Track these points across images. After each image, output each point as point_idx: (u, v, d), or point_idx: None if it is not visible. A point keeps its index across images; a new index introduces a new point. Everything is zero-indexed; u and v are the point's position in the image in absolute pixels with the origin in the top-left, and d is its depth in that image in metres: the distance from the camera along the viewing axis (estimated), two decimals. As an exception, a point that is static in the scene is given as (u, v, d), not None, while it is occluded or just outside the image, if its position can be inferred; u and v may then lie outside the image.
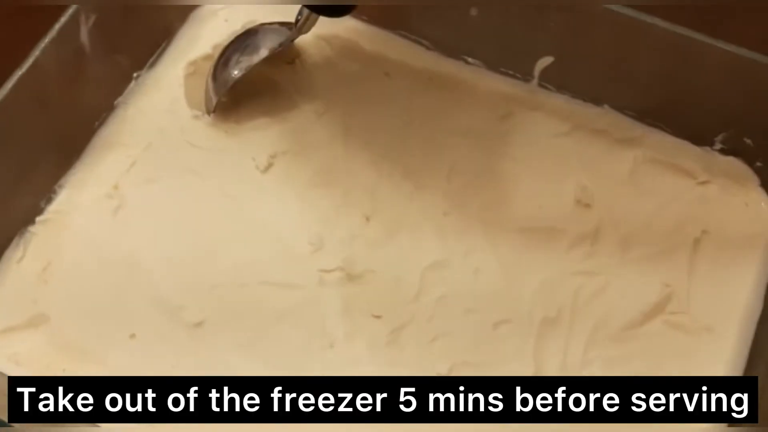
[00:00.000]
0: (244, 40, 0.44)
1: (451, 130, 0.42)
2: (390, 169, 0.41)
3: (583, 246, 0.39)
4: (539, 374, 0.36)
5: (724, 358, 0.36)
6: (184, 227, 0.39)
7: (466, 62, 0.44)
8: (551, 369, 0.36)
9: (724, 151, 0.41)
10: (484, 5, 0.40)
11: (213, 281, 0.38)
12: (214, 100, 0.43)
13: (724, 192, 0.41)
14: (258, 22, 0.44)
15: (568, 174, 0.41)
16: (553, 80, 0.42)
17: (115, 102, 0.42)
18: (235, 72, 0.42)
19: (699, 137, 0.41)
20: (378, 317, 0.37)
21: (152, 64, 0.44)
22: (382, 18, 0.44)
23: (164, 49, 0.44)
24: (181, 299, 0.37)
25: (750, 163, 0.41)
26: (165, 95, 0.43)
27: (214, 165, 0.42)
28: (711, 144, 0.41)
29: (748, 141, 0.40)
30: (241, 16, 0.45)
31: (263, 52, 0.43)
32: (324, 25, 0.43)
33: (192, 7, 0.46)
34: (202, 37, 0.45)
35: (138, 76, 0.43)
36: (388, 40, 0.44)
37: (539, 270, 0.39)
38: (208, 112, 0.43)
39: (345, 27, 0.44)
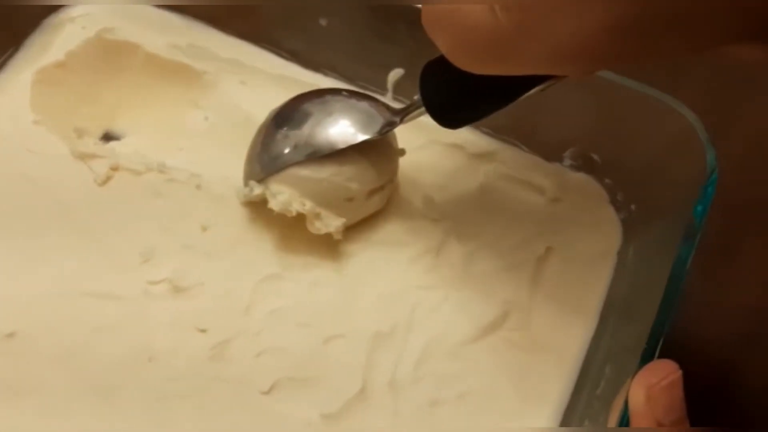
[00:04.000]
0: (320, 109, 0.35)
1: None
2: (239, 176, 0.40)
3: (425, 259, 0.38)
4: (366, 392, 0.34)
5: (557, 377, 0.35)
6: (8, 234, 0.37)
7: (325, 75, 0.44)
8: (380, 386, 0.34)
9: (575, 168, 0.41)
10: (332, 14, 0.40)
11: (31, 291, 0.36)
12: (260, 175, 0.36)
13: (573, 209, 0.40)
14: (115, 28, 0.43)
15: (418, 187, 0.40)
16: (406, 93, 0.42)
17: (-46, 106, 0.41)
18: (306, 152, 0.34)
19: (550, 154, 0.41)
20: (203, 331, 0.35)
21: (0, 68, 0.43)
22: (240, 27, 0.44)
23: (12, 55, 0.43)
24: (-11, 308, 0.35)
25: (600, 180, 0.40)
26: (9, 100, 0.41)
27: (51, 174, 0.40)
28: (561, 160, 0.41)
29: (596, 157, 0.40)
30: (99, 24, 0.44)
31: (356, 136, 0.34)
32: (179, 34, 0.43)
33: (45, 14, 0.44)
34: (55, 44, 0.43)
35: (-18, 80, 0.42)
36: (243, 47, 0.44)
37: (378, 284, 0.37)
38: (245, 183, 0.37)
39: (199, 34, 0.44)
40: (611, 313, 0.36)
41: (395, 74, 0.41)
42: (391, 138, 0.37)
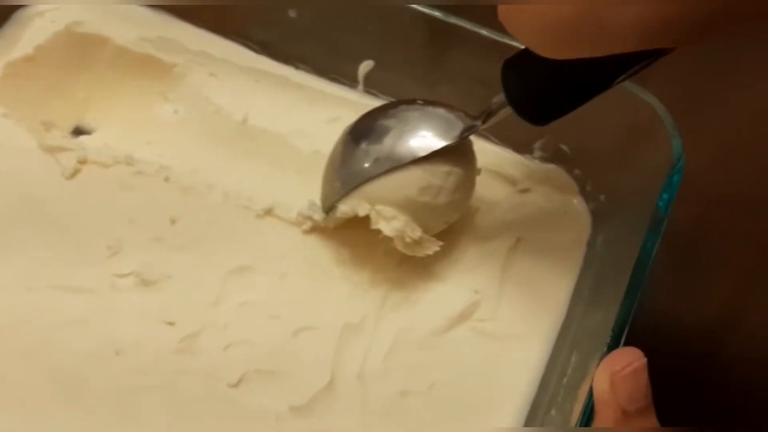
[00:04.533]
0: (398, 120, 0.35)
1: (278, 132, 0.41)
2: (209, 168, 0.40)
3: (396, 252, 0.38)
4: (335, 384, 0.34)
5: (526, 366, 0.35)
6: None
7: (296, 68, 0.44)
8: (348, 378, 0.34)
9: (545, 159, 0.41)
10: (302, 6, 0.40)
11: (-9, 283, 0.36)
12: (340, 192, 0.35)
13: (544, 199, 0.40)
14: (84, 22, 0.43)
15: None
16: (376, 86, 0.42)
17: (-76, 98, 0.41)
18: (388, 164, 0.33)
19: (520, 146, 0.41)
20: (171, 324, 0.35)
21: (-34, 62, 0.42)
22: (209, 20, 0.43)
23: (-20, 48, 0.43)
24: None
25: (570, 170, 0.40)
26: (-24, 94, 0.42)
27: (18, 167, 0.39)
28: (531, 152, 0.41)
29: (564, 148, 0.40)
30: (68, 17, 0.44)
31: (437, 142, 0.33)
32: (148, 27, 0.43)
33: (15, 7, 0.44)
34: (23, 38, 0.43)
35: (-48, 72, 0.42)
36: (212, 40, 0.43)
37: (350, 276, 0.37)
38: (325, 210, 0.36)
39: (168, 27, 0.43)
40: (579, 302, 0.36)
41: (366, 66, 0.41)
42: (469, 148, 0.36)
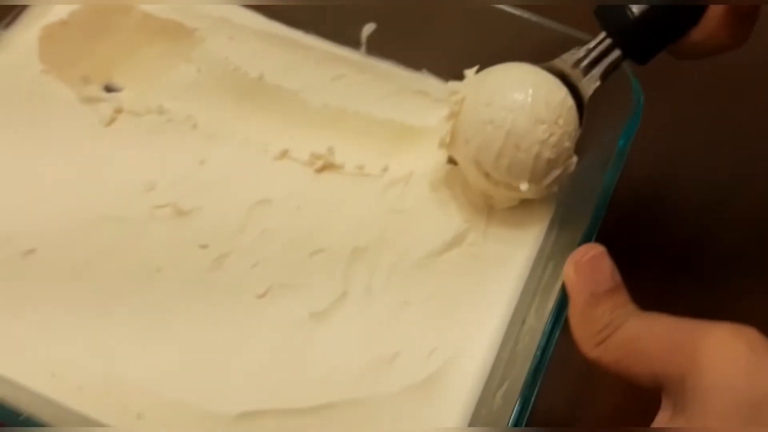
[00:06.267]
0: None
1: (290, 88, 0.46)
2: (231, 117, 0.45)
3: (396, 188, 0.44)
4: (347, 295, 0.40)
5: (509, 280, 0.40)
6: (22, 167, 0.42)
7: (306, 32, 0.49)
8: (358, 291, 0.40)
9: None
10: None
11: (47, 215, 0.41)
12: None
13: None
14: None
15: (385, 126, 0.45)
16: (378, 49, 0.48)
17: (-28, 55, 0.46)
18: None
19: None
20: (204, 247, 0.41)
21: (7, 25, 0.47)
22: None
23: (19, 14, 0.47)
24: (14, 227, 0.40)
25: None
26: (18, 53, 0.46)
27: (59, 117, 0.45)
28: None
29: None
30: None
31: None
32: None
33: (51, -23, 0.49)
34: (58, 5, 0.48)
35: (-5, 34, 0.47)
36: (231, 8, 0.49)
37: (355, 208, 0.43)
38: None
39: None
40: (554, 228, 0.42)
41: (368, 28, 0.47)
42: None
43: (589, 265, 0.32)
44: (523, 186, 0.38)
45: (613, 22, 0.37)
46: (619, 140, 0.40)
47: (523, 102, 0.38)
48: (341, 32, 0.48)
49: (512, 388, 0.33)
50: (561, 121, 0.38)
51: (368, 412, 0.36)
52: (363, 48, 0.48)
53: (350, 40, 0.48)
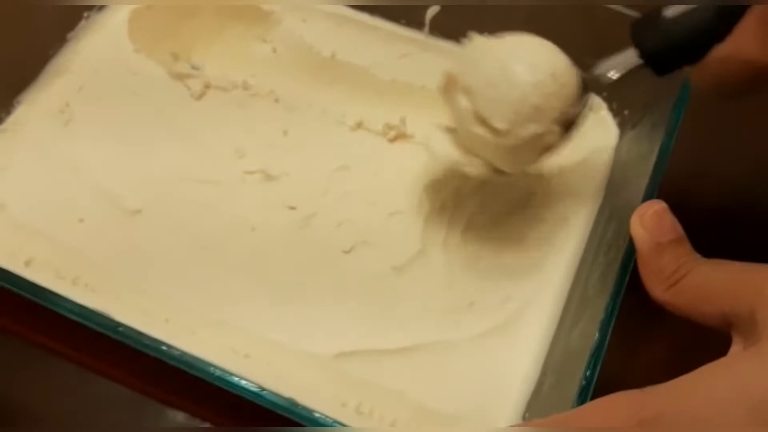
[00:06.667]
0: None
1: (360, 65, 0.50)
2: (308, 92, 0.49)
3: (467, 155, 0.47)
4: (425, 251, 0.44)
5: (573, 236, 0.44)
6: (123, 136, 0.46)
7: (371, 14, 0.53)
8: (435, 247, 0.44)
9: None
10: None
11: (148, 178, 0.45)
12: None
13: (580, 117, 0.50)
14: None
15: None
16: (440, 30, 0.51)
17: (68, 36, 0.49)
18: None
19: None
20: (293, 208, 0.45)
21: (101, 8, 0.51)
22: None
23: (109, -3, 0.52)
24: (121, 190, 0.44)
25: (599, 93, 0.50)
26: (111, 33, 0.50)
27: (153, 91, 0.49)
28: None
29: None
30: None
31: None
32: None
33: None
34: (146, -10, 0.52)
35: (88, 16, 0.50)
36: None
37: (429, 173, 0.46)
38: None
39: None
40: (611, 191, 0.46)
41: (432, 11, 0.51)
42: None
43: (653, 218, 0.35)
44: (501, 124, 0.38)
45: (643, 40, 0.38)
46: (674, 107, 0.43)
47: (526, 55, 0.39)
48: (405, 14, 0.52)
49: (588, 327, 0.37)
50: (558, 75, 0.38)
51: (449, 353, 0.40)
52: (426, 28, 0.51)
53: (413, 21, 0.52)
